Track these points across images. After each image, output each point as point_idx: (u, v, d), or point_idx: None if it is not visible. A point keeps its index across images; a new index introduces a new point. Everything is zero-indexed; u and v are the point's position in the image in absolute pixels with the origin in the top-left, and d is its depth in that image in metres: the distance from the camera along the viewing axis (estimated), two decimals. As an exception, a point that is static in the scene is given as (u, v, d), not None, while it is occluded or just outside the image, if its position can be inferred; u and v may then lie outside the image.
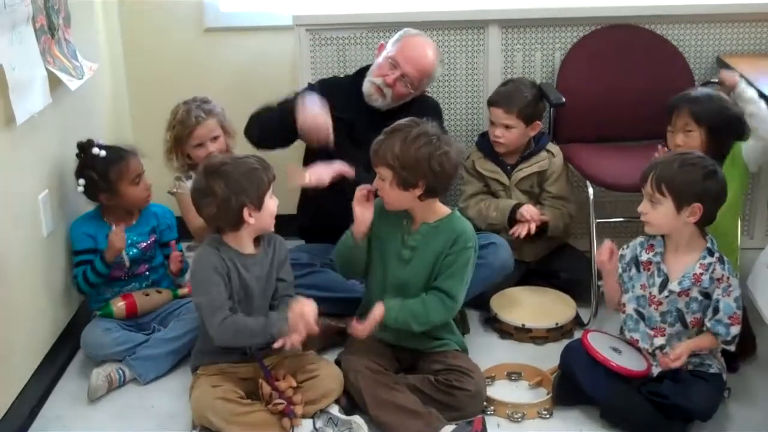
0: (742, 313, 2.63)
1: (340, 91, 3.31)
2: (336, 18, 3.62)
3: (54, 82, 2.90)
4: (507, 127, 3.30)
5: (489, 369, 2.90)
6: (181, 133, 3.25)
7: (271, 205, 2.67)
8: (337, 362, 2.80)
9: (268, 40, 3.83)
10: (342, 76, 3.51)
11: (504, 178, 3.36)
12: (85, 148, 3.04)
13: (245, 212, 2.61)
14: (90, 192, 3.04)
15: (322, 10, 3.67)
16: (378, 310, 2.71)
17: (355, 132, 3.23)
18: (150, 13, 3.80)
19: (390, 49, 3.25)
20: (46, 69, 2.84)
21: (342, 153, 3.17)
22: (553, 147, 3.41)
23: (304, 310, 2.59)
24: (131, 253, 3.06)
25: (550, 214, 3.30)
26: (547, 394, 2.79)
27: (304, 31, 3.61)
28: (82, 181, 3.02)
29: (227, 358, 2.73)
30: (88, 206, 3.13)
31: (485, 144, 3.40)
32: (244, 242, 2.70)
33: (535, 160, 3.37)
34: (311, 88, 3.33)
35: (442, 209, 2.79)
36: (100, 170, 3.00)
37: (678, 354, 2.59)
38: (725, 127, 2.88)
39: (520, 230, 3.19)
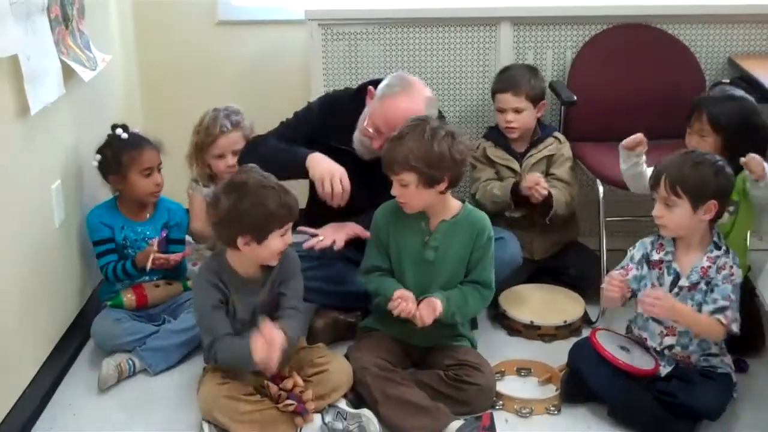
0: (738, 300, 2.61)
1: (340, 119, 3.07)
2: (348, 13, 3.62)
3: (67, 73, 2.91)
4: (517, 111, 3.31)
5: (499, 364, 2.91)
6: (204, 140, 3.28)
7: (275, 243, 2.57)
8: (346, 357, 2.81)
9: (280, 34, 3.84)
10: (342, 90, 3.29)
11: (515, 165, 3.35)
12: (114, 128, 3.08)
13: (240, 241, 2.55)
14: (102, 170, 3.07)
15: (335, 4, 3.67)
16: (438, 308, 2.67)
17: (359, 159, 3.07)
18: (163, 5, 3.81)
19: (375, 106, 2.96)
20: (60, 59, 2.85)
21: (351, 182, 3.04)
22: (559, 135, 3.41)
23: (271, 336, 2.48)
24: (144, 247, 3.07)
25: (553, 190, 3.27)
26: (556, 390, 2.80)
27: (317, 26, 3.60)
28: (98, 157, 3.05)
29: None
30: (101, 197, 3.15)
31: (494, 134, 3.41)
32: (242, 264, 2.64)
33: (544, 145, 3.37)
34: (310, 109, 3.19)
35: (454, 203, 2.80)
36: (115, 151, 3.03)
37: (662, 303, 2.56)
38: (744, 136, 2.80)
39: (534, 193, 3.16)
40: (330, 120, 3.10)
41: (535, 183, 3.16)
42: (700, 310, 2.62)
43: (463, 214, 2.78)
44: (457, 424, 2.58)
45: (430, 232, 2.77)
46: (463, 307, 2.76)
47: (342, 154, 3.00)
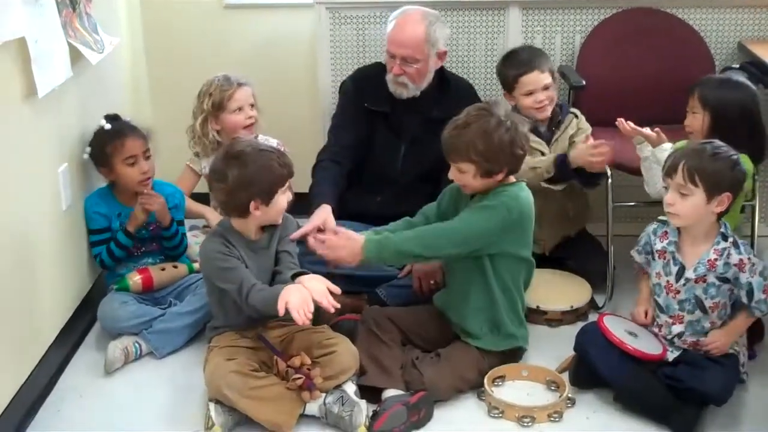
0: None
1: (370, 84, 3.33)
2: (356, -4, 3.62)
3: (74, 56, 2.90)
4: (546, 87, 3.21)
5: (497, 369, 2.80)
6: (222, 96, 3.25)
7: (281, 201, 2.68)
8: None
9: (287, 18, 3.83)
10: (371, 64, 3.49)
11: (545, 148, 3.24)
12: (105, 119, 3.07)
13: (252, 205, 2.62)
14: (94, 162, 3.08)
15: (343, -12, 3.66)
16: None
17: (391, 121, 3.29)
18: (170, -12, 3.81)
19: (386, 41, 3.27)
20: (68, 42, 2.85)
21: (382, 144, 3.27)
22: (575, 110, 3.33)
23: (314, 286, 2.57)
24: (141, 234, 3.08)
25: None
26: (560, 397, 2.70)
27: (324, 9, 3.61)
28: (88, 149, 3.06)
29: (238, 328, 2.74)
30: (104, 181, 3.14)
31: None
32: (249, 229, 2.71)
33: (566, 124, 3.28)
34: (344, 92, 3.40)
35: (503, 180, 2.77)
36: (99, 143, 3.04)
37: (719, 343, 2.62)
38: (730, 115, 2.86)
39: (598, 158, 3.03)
40: (363, 84, 3.36)
41: (595, 149, 3.03)
42: (722, 307, 2.64)
43: (495, 192, 2.74)
44: (393, 392, 2.64)
45: (468, 202, 2.80)
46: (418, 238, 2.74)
47: (376, 115, 3.29)
